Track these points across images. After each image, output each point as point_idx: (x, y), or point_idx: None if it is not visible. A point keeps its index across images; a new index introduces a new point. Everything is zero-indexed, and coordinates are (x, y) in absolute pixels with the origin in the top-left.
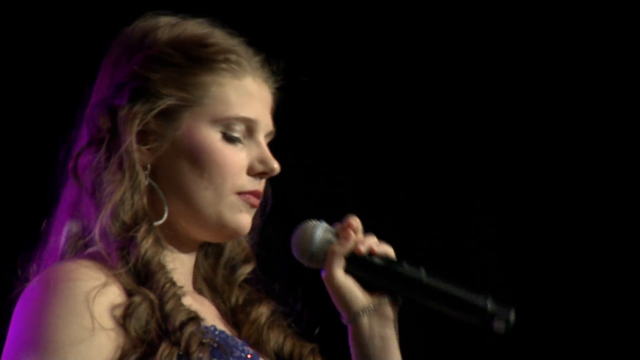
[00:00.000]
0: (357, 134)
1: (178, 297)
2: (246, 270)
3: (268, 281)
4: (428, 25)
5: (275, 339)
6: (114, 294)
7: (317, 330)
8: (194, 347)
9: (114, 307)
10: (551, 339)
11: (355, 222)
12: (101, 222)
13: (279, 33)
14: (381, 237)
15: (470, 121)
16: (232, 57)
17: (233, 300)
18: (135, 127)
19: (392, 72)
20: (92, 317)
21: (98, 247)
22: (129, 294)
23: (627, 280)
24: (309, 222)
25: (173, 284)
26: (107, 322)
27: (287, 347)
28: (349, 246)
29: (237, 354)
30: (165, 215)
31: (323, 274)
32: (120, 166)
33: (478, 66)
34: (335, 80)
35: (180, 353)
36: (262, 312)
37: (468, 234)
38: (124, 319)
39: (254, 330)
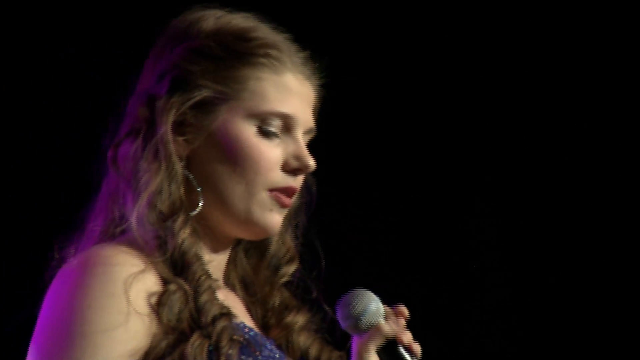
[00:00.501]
0: (357, 133)
1: (212, 291)
2: (289, 270)
3: (307, 286)
4: (429, 25)
5: (303, 342)
6: (150, 281)
7: (349, 344)
8: (224, 342)
9: (150, 295)
10: (551, 339)
11: (407, 312)
12: (138, 210)
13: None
14: (381, 237)
15: (470, 121)
16: (273, 52)
17: (270, 302)
18: (171, 117)
19: (393, 72)
20: (128, 301)
21: (135, 234)
22: (165, 282)
23: (627, 280)
24: (367, 291)
25: (209, 276)
26: (142, 307)
27: (314, 351)
28: (395, 331)
29: (266, 352)
30: (200, 206)
31: (357, 340)
32: (156, 156)
33: (478, 67)
34: (338, 81)
35: (211, 347)
36: (297, 320)
37: (468, 234)
38: (158, 306)
39: (283, 335)
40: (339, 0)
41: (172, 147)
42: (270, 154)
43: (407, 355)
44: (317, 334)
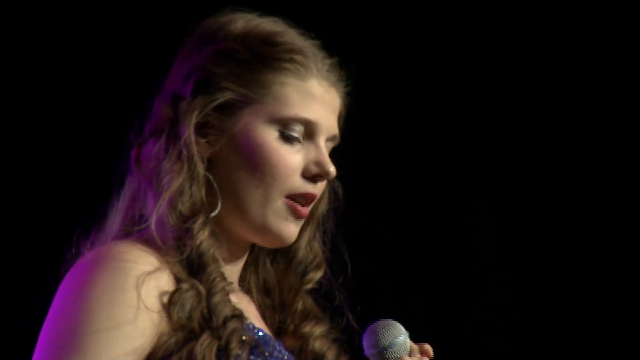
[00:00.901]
0: (358, 132)
1: (226, 292)
2: (316, 277)
3: (331, 293)
4: (428, 25)
5: (319, 347)
6: (163, 280)
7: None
8: (234, 343)
9: (162, 293)
10: (551, 339)
11: (431, 351)
12: (158, 210)
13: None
14: (381, 237)
15: (470, 121)
16: (299, 57)
17: (293, 308)
18: (194, 118)
19: (393, 75)
20: (139, 297)
21: (153, 233)
22: (178, 281)
23: (626, 280)
24: (397, 324)
25: (223, 278)
26: (153, 304)
27: (331, 357)
28: None
29: (275, 354)
30: (219, 208)
31: None
32: (179, 156)
33: (477, 67)
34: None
35: (220, 348)
36: (314, 331)
37: (468, 234)
38: (169, 304)
39: (298, 344)
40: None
41: (194, 148)
42: (290, 160)
43: None
44: (335, 342)
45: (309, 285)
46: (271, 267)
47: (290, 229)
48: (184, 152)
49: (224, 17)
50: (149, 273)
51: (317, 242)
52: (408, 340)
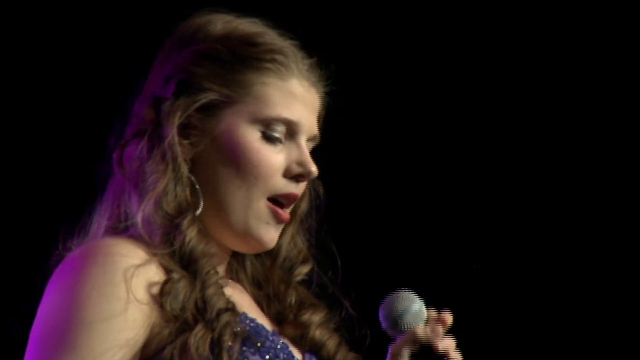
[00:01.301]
0: (357, 131)
1: (220, 285)
2: (303, 270)
3: (323, 284)
4: (425, 24)
5: (319, 336)
6: (152, 272)
7: (367, 341)
8: (226, 336)
9: (151, 284)
10: (550, 339)
11: (449, 320)
12: (144, 210)
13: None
14: (380, 237)
15: (470, 122)
16: (279, 57)
17: (287, 300)
18: (177, 119)
19: (392, 74)
20: (128, 290)
21: (140, 231)
22: (168, 272)
23: (627, 280)
24: (412, 293)
25: (216, 272)
26: (143, 297)
27: (331, 346)
28: (429, 338)
29: (267, 344)
30: (201, 208)
31: (395, 341)
32: (163, 158)
33: (476, 66)
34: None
35: (213, 340)
36: (313, 319)
37: (468, 234)
38: (161, 295)
39: (299, 332)
40: (345, 6)
41: (178, 149)
42: (272, 160)
43: None
44: (335, 332)
45: (299, 278)
46: (257, 263)
47: (270, 234)
48: (168, 153)
49: (202, 18)
50: (138, 266)
51: (300, 238)
52: (424, 309)
